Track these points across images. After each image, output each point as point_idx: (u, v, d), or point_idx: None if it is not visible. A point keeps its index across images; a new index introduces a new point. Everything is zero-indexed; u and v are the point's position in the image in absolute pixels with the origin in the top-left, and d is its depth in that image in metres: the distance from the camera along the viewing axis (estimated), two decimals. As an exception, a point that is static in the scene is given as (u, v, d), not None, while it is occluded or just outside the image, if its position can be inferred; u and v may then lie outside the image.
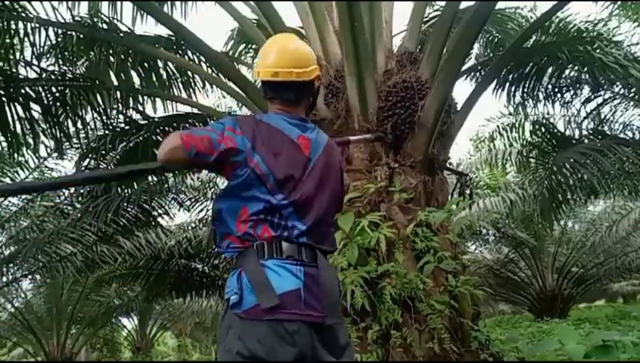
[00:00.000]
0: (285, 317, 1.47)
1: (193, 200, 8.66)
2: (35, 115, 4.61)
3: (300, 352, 1.46)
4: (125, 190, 5.95)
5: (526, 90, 5.65)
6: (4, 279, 8.26)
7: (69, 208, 6.85)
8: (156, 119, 5.25)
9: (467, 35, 3.49)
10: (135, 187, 5.95)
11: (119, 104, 5.14)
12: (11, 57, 4.43)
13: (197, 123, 5.42)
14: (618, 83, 5.75)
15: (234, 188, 1.60)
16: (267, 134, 1.64)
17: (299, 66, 1.72)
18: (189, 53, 5.47)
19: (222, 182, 6.67)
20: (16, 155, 4.89)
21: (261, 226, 1.57)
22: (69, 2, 4.80)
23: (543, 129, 6.02)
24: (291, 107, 1.74)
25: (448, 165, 4.29)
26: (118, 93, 5.05)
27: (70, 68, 5.00)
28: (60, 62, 4.90)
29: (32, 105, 4.50)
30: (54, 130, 4.73)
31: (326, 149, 1.74)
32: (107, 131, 5.23)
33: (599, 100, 6.19)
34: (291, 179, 1.61)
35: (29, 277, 8.89)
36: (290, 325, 1.47)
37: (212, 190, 8.90)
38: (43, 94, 4.55)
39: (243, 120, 1.69)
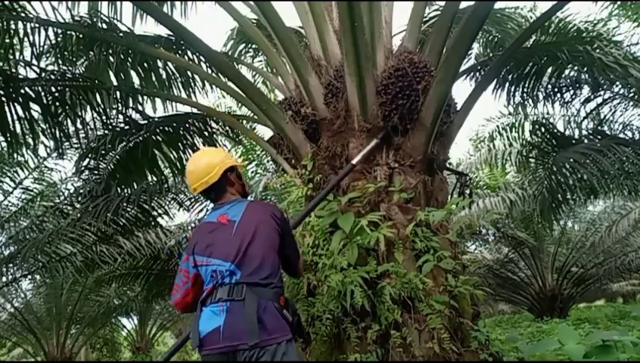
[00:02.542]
0: (207, 352, 2.07)
1: (193, 200, 8.66)
2: (35, 115, 4.60)
3: None
4: (125, 190, 5.95)
5: (525, 90, 5.65)
6: (4, 279, 8.26)
7: (68, 208, 6.84)
8: (155, 119, 5.25)
9: (466, 35, 3.48)
10: (135, 187, 5.96)
11: (119, 104, 5.13)
12: (11, 57, 4.42)
13: (196, 123, 5.42)
14: (618, 83, 5.75)
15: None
16: (200, 231, 2.36)
17: (200, 179, 2.36)
18: (189, 53, 5.47)
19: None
20: (16, 155, 4.89)
21: (208, 284, 2.20)
22: (69, 2, 4.80)
23: (543, 129, 6.02)
24: (219, 201, 2.40)
25: (447, 165, 4.29)
26: (118, 93, 5.04)
27: (70, 68, 4.99)
28: (60, 62, 4.90)
29: (32, 105, 4.50)
30: (53, 130, 4.72)
31: (246, 210, 2.30)
32: (106, 131, 5.22)
33: (599, 100, 6.20)
34: (219, 243, 2.20)
35: (29, 277, 8.89)
36: (212, 357, 2.06)
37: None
38: (43, 94, 4.54)
39: (188, 242, 2.45)
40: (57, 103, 4.68)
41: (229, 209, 2.32)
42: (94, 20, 4.64)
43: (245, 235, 2.18)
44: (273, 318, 2.07)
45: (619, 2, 6.85)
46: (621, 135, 6.46)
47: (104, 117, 5.02)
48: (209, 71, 5.37)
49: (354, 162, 3.22)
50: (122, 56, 4.98)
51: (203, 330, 2.09)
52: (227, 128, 5.65)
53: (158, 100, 5.39)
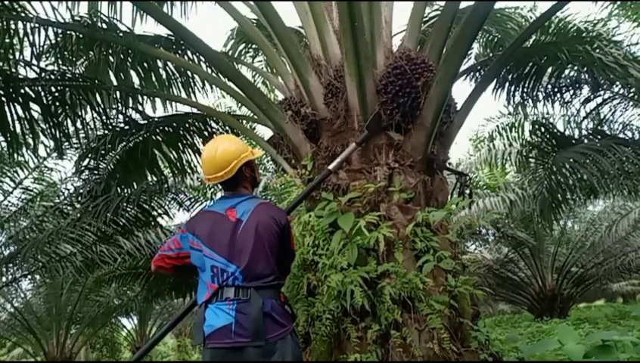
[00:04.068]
0: (217, 345, 2.15)
1: (193, 200, 8.67)
2: (35, 115, 4.60)
3: None
4: (125, 190, 5.95)
5: (525, 90, 5.65)
6: (4, 279, 8.26)
7: (68, 208, 6.84)
8: (155, 119, 5.25)
9: (466, 35, 3.48)
10: (135, 187, 5.96)
11: (119, 104, 5.12)
12: (11, 56, 4.42)
13: (196, 123, 5.42)
14: (617, 83, 5.74)
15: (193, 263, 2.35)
16: (205, 217, 2.42)
17: (215, 172, 2.38)
18: (189, 53, 5.47)
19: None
20: (15, 155, 4.88)
21: (207, 281, 2.26)
22: (69, 2, 4.80)
23: (543, 129, 6.02)
24: (230, 191, 2.45)
25: (447, 165, 4.28)
26: (117, 93, 5.04)
27: (70, 68, 4.98)
28: (60, 62, 4.89)
29: (32, 105, 4.50)
30: (53, 130, 4.72)
31: (254, 211, 2.32)
32: (106, 131, 5.22)
33: (599, 100, 6.20)
34: (223, 241, 2.25)
35: (29, 277, 8.89)
36: (220, 351, 2.14)
37: (212, 190, 8.91)
38: (43, 94, 4.54)
39: (190, 220, 2.56)
40: (57, 103, 4.67)
41: (239, 204, 2.36)
42: (94, 20, 4.64)
43: (250, 238, 2.24)
44: (279, 314, 2.21)
45: (619, 2, 6.85)
46: (621, 135, 6.45)
47: (104, 117, 5.02)
48: (209, 71, 5.37)
49: (330, 167, 3.19)
50: (122, 56, 4.98)
51: (212, 325, 2.17)
52: (227, 128, 5.65)
53: (158, 100, 5.38)
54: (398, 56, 3.73)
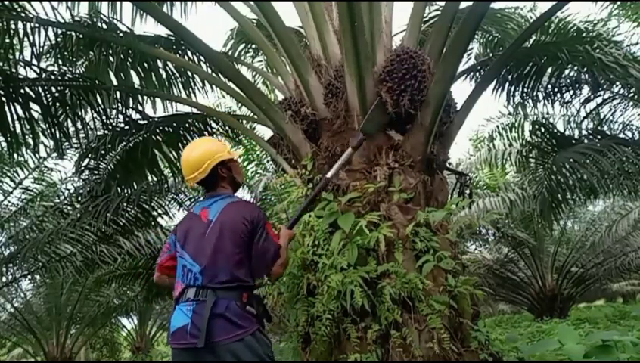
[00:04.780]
0: (175, 346, 2.23)
1: (192, 200, 8.65)
2: (35, 115, 4.60)
3: None
4: (125, 190, 5.95)
5: (525, 90, 5.65)
6: (4, 279, 8.26)
7: (68, 208, 6.84)
8: (155, 119, 5.25)
9: (463, 35, 3.48)
10: (135, 187, 5.96)
11: (119, 104, 5.13)
12: (11, 57, 4.42)
13: (196, 123, 5.42)
14: (617, 83, 5.74)
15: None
16: (185, 219, 2.51)
17: (190, 174, 2.43)
18: (189, 53, 5.47)
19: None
20: (15, 155, 4.89)
21: (179, 281, 2.33)
22: (69, 2, 4.80)
23: (543, 129, 6.02)
24: (210, 192, 2.48)
25: (447, 165, 4.29)
26: (118, 93, 5.04)
27: (70, 68, 4.99)
28: (60, 62, 4.90)
29: (32, 105, 4.50)
30: (53, 130, 4.72)
31: (224, 210, 2.35)
32: (106, 131, 5.22)
33: (599, 100, 6.20)
34: (193, 240, 2.33)
35: (29, 277, 8.89)
36: (178, 352, 2.21)
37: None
38: (43, 94, 4.54)
39: (179, 223, 2.55)
40: (57, 104, 4.68)
41: (212, 205, 2.41)
42: (94, 20, 4.64)
43: (214, 239, 2.27)
44: (236, 315, 2.18)
45: (619, 2, 6.85)
46: (621, 135, 6.45)
47: (104, 117, 5.02)
48: (209, 71, 5.37)
49: (328, 176, 3.13)
50: (122, 56, 4.98)
51: (174, 325, 2.24)
52: (227, 128, 5.65)
53: (158, 100, 5.39)
54: (398, 49, 3.71)
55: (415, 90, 3.54)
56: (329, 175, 3.16)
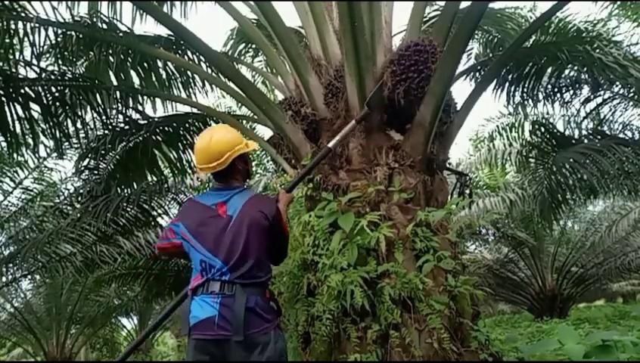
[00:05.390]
0: (200, 336, 2.17)
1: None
2: (35, 115, 4.60)
3: (211, 358, 2.16)
4: (125, 190, 5.95)
5: (525, 90, 5.65)
6: (4, 279, 8.26)
7: (68, 208, 6.84)
8: (155, 119, 5.25)
9: (462, 35, 3.48)
10: (135, 187, 5.96)
11: (119, 104, 5.13)
12: (11, 57, 4.42)
13: (196, 123, 5.42)
14: (617, 83, 5.74)
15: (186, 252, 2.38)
16: (194, 209, 2.41)
17: (208, 163, 2.36)
18: (189, 53, 5.47)
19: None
20: (15, 155, 4.89)
21: (196, 273, 2.30)
22: (69, 2, 4.80)
23: (543, 129, 6.02)
24: (222, 183, 2.43)
25: (447, 165, 4.29)
26: (118, 93, 5.05)
27: (70, 68, 4.99)
28: (60, 62, 4.90)
29: (32, 105, 4.50)
30: (53, 130, 4.73)
31: (244, 207, 2.32)
32: (106, 131, 5.23)
33: (599, 100, 6.20)
34: (212, 235, 2.27)
35: (29, 277, 8.89)
36: (204, 343, 2.16)
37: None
38: (43, 94, 4.55)
39: (181, 209, 2.54)
40: (57, 103, 4.68)
41: (229, 199, 2.36)
42: (94, 20, 4.64)
43: (238, 236, 2.26)
44: (264, 310, 2.23)
45: (619, 2, 6.85)
46: (621, 135, 6.46)
47: (103, 117, 5.02)
48: (209, 71, 5.37)
49: (330, 145, 3.16)
50: (122, 56, 4.98)
51: (196, 316, 2.20)
52: (227, 128, 5.64)
53: (158, 100, 5.39)
54: (424, 38, 3.70)
55: (414, 84, 3.55)
56: (330, 144, 3.17)
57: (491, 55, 6.04)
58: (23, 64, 4.49)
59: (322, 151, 3.18)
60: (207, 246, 2.28)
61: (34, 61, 4.46)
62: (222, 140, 2.38)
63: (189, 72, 5.46)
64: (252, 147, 2.47)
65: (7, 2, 4.20)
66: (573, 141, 5.97)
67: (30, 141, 4.80)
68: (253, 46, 6.50)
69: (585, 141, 5.99)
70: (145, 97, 5.30)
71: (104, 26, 4.71)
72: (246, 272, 2.23)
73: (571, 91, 5.91)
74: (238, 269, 2.23)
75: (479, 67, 5.67)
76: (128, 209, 6.10)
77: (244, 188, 2.46)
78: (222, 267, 2.23)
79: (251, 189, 2.53)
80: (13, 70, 4.50)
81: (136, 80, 5.32)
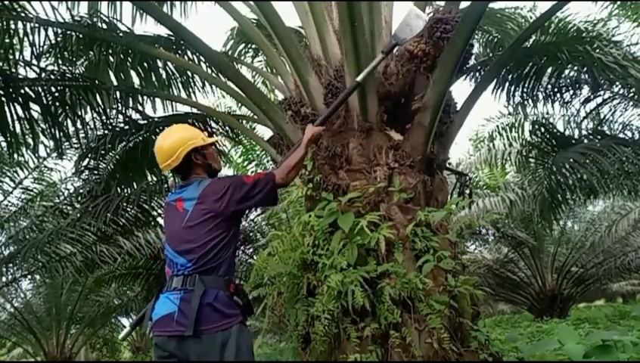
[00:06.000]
0: (159, 333, 2.20)
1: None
2: (35, 115, 4.61)
3: (171, 355, 2.16)
4: (125, 190, 5.95)
5: (525, 90, 5.64)
6: (4, 279, 8.27)
7: (68, 208, 6.85)
8: (155, 119, 5.25)
9: (462, 34, 3.47)
10: (135, 187, 5.96)
11: (119, 104, 5.13)
12: (11, 57, 4.43)
13: (196, 123, 5.41)
14: (617, 83, 5.75)
15: None
16: (164, 211, 2.54)
17: (163, 161, 2.44)
18: (189, 53, 5.47)
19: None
20: (15, 155, 4.89)
21: (166, 268, 2.37)
22: (69, 2, 4.81)
23: (542, 129, 6.02)
24: (184, 180, 2.49)
25: (447, 165, 4.28)
26: (117, 93, 5.05)
27: (70, 68, 4.99)
28: (60, 62, 4.90)
29: (32, 105, 4.50)
30: (53, 130, 4.73)
31: (200, 196, 2.33)
32: (106, 131, 5.23)
33: (598, 100, 6.19)
34: (173, 232, 2.36)
35: (29, 277, 8.90)
36: (163, 339, 2.19)
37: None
38: (42, 94, 4.55)
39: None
40: (57, 103, 4.68)
41: (184, 193, 2.41)
42: (94, 20, 4.65)
43: (194, 228, 2.28)
44: (224, 305, 2.20)
45: (619, 2, 6.85)
46: (621, 135, 6.46)
47: (103, 117, 5.03)
48: (209, 71, 5.37)
49: (358, 79, 3.13)
50: (122, 56, 4.98)
51: (157, 313, 2.23)
52: (227, 128, 5.66)
53: (158, 100, 5.39)
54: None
55: (447, 32, 3.57)
56: (359, 78, 3.14)
57: (491, 55, 6.03)
58: (22, 64, 4.50)
59: (351, 86, 3.16)
60: (171, 243, 2.34)
61: (34, 61, 4.47)
62: (173, 137, 2.47)
63: (189, 72, 5.46)
64: (208, 141, 2.53)
65: (7, 2, 4.20)
66: (573, 141, 5.97)
67: (30, 141, 4.81)
68: (253, 46, 6.49)
69: (585, 141, 5.99)
70: (145, 97, 5.30)
71: (104, 26, 4.71)
72: (203, 264, 2.23)
73: (571, 91, 5.91)
74: (197, 263, 2.23)
75: (479, 67, 5.67)
76: (128, 209, 6.10)
77: (202, 179, 2.45)
78: (184, 262, 2.26)
79: (209, 179, 2.48)
80: (13, 70, 4.50)
81: (136, 80, 5.32)
